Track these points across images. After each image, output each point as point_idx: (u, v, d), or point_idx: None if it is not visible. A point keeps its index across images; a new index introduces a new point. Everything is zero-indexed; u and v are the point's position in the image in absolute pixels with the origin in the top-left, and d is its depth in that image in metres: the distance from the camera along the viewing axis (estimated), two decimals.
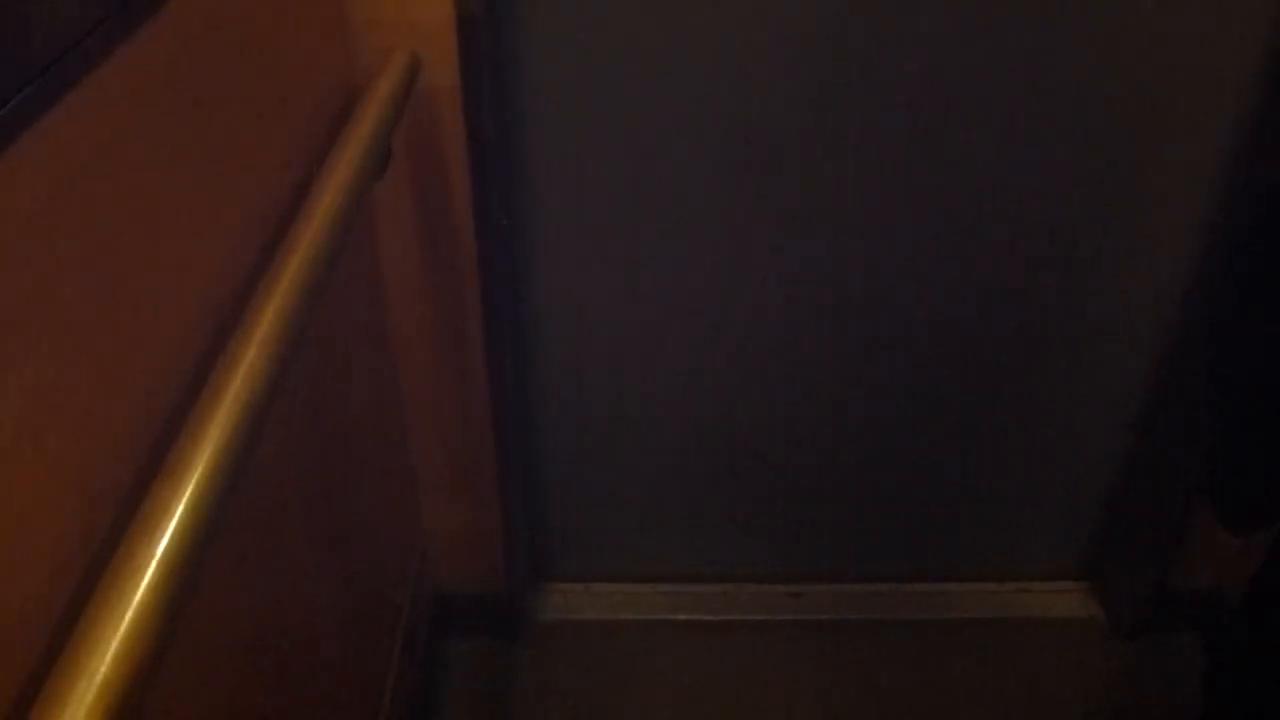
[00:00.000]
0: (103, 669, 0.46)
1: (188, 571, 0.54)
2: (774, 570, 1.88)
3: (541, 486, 1.76)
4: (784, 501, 1.80)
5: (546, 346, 1.59)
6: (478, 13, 1.17)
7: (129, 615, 0.49)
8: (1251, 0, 1.29)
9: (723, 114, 1.37)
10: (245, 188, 0.86)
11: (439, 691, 1.69)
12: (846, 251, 1.50)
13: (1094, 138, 1.40)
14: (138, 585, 0.50)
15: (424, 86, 1.18)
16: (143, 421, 0.66)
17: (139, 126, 0.66)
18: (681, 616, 1.83)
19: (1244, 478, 0.91)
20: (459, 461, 1.58)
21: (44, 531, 0.54)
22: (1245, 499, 0.92)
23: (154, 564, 0.52)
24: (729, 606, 1.85)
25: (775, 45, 1.33)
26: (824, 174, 1.43)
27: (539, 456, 1.72)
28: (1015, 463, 1.74)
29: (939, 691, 1.72)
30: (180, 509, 0.56)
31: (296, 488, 1.04)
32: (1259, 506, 0.91)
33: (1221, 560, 1.69)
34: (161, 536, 0.53)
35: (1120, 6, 1.30)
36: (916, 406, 1.68)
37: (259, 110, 0.89)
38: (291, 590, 1.05)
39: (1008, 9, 1.30)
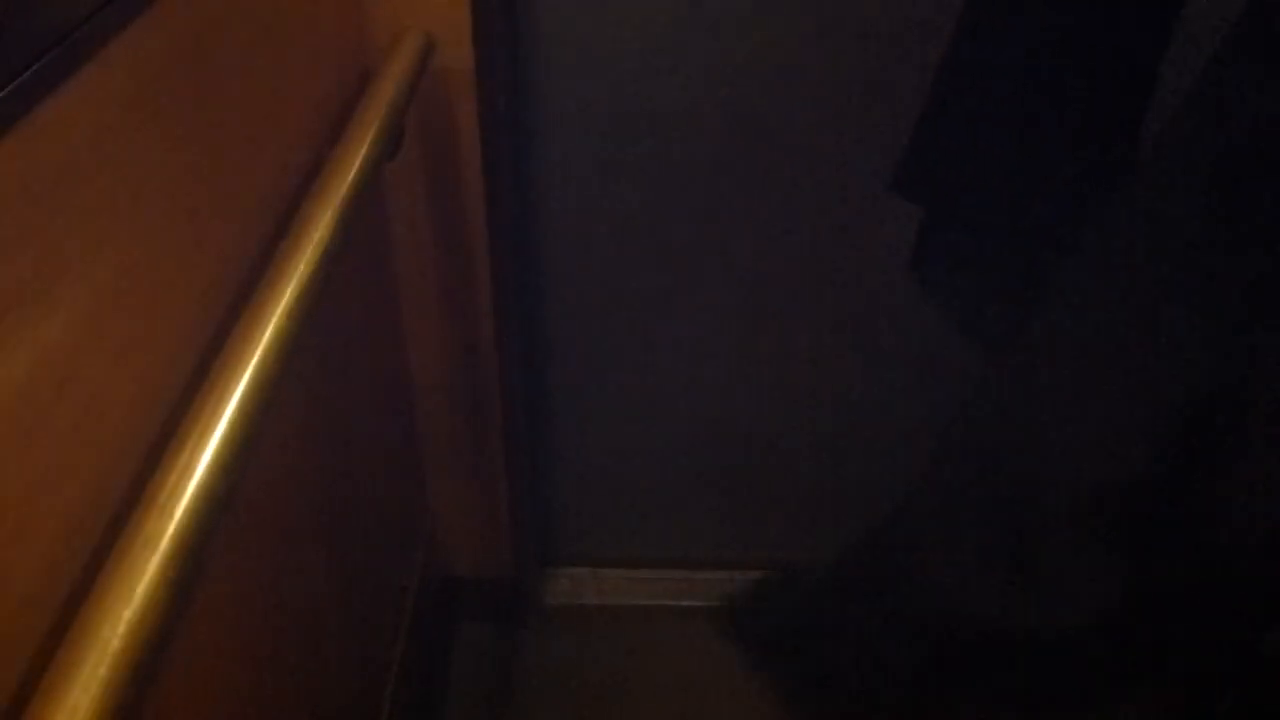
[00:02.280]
0: (115, 639, 0.46)
1: (201, 542, 0.54)
2: (780, 558, 1.88)
3: (549, 470, 1.77)
4: (791, 490, 1.80)
5: (556, 330, 1.59)
6: None
7: (142, 585, 0.49)
8: None
9: (737, 100, 1.37)
10: (259, 166, 0.86)
11: (444, 674, 1.70)
12: (855, 239, 1.50)
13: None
14: (151, 554, 0.51)
15: (437, 67, 1.17)
16: (157, 393, 0.66)
17: (151, 103, 0.65)
18: (688, 603, 1.83)
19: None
20: (466, 444, 1.58)
21: (58, 500, 0.54)
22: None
23: (168, 534, 0.52)
24: (734, 593, 1.85)
25: (787, 31, 1.32)
26: (831, 164, 1.43)
27: (546, 440, 1.72)
28: None
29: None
30: (194, 479, 0.56)
31: (305, 466, 1.04)
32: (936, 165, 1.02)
33: None
34: (176, 506, 0.54)
35: None
36: (921, 398, 1.67)
37: (272, 89, 0.89)
38: (299, 570, 1.05)
39: None
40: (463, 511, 1.66)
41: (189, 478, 0.57)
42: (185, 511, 0.55)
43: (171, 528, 0.53)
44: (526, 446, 1.65)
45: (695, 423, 1.71)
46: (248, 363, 0.66)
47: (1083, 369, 0.93)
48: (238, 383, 0.65)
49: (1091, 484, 0.90)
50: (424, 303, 1.41)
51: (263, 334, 0.69)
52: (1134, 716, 0.93)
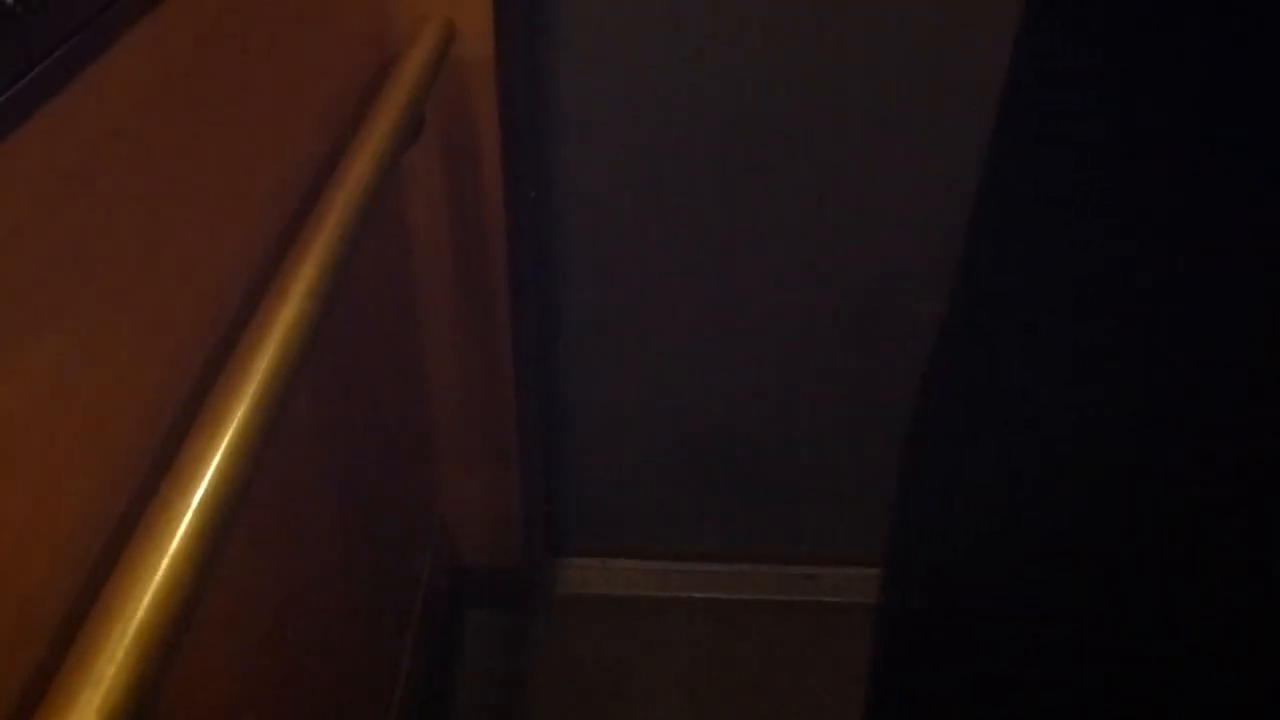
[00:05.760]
0: (138, 616, 0.47)
1: (219, 528, 0.54)
2: (789, 552, 1.88)
3: (560, 461, 1.77)
4: (799, 485, 1.79)
5: (570, 321, 1.59)
6: None
7: (164, 568, 0.49)
8: None
9: (755, 97, 1.36)
10: (279, 153, 0.86)
11: (455, 663, 1.70)
12: (859, 240, 1.50)
13: None
14: (172, 540, 0.51)
15: (458, 56, 1.17)
16: (177, 379, 0.66)
17: (169, 93, 0.65)
18: (697, 595, 1.83)
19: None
20: (479, 435, 1.58)
21: (78, 487, 0.54)
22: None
23: (188, 521, 0.52)
24: (744, 586, 1.85)
25: (807, 25, 1.31)
26: (843, 167, 1.42)
27: (558, 431, 1.72)
28: None
29: None
30: (213, 465, 0.56)
31: (320, 456, 1.05)
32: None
33: None
34: (195, 492, 0.54)
35: None
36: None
37: (293, 77, 0.89)
38: (313, 557, 1.05)
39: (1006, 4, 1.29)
40: (474, 501, 1.67)
41: (208, 464, 0.57)
42: (204, 497, 0.55)
43: (191, 515, 0.54)
44: (538, 438, 1.65)
45: (705, 416, 1.71)
46: (267, 349, 0.66)
47: None
48: (256, 370, 0.65)
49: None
50: (439, 292, 1.41)
51: (282, 320, 0.69)
52: None
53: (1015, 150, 0.75)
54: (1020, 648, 0.87)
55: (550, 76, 1.34)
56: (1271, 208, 0.61)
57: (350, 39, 1.07)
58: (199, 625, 0.64)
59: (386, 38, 1.15)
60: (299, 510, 0.99)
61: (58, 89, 0.51)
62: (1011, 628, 0.87)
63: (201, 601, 0.53)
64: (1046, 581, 0.83)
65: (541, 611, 1.79)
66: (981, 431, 0.84)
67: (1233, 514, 0.75)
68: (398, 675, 1.41)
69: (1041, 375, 0.77)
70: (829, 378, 1.66)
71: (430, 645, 1.57)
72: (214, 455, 0.58)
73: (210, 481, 0.56)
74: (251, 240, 0.79)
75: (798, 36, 1.32)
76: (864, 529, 1.86)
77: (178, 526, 0.53)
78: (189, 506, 0.54)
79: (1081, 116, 0.68)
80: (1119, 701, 0.85)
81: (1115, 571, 0.80)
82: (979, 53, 1.32)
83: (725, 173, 1.43)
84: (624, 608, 1.81)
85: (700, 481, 1.80)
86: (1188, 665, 0.83)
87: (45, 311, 0.51)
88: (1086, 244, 0.70)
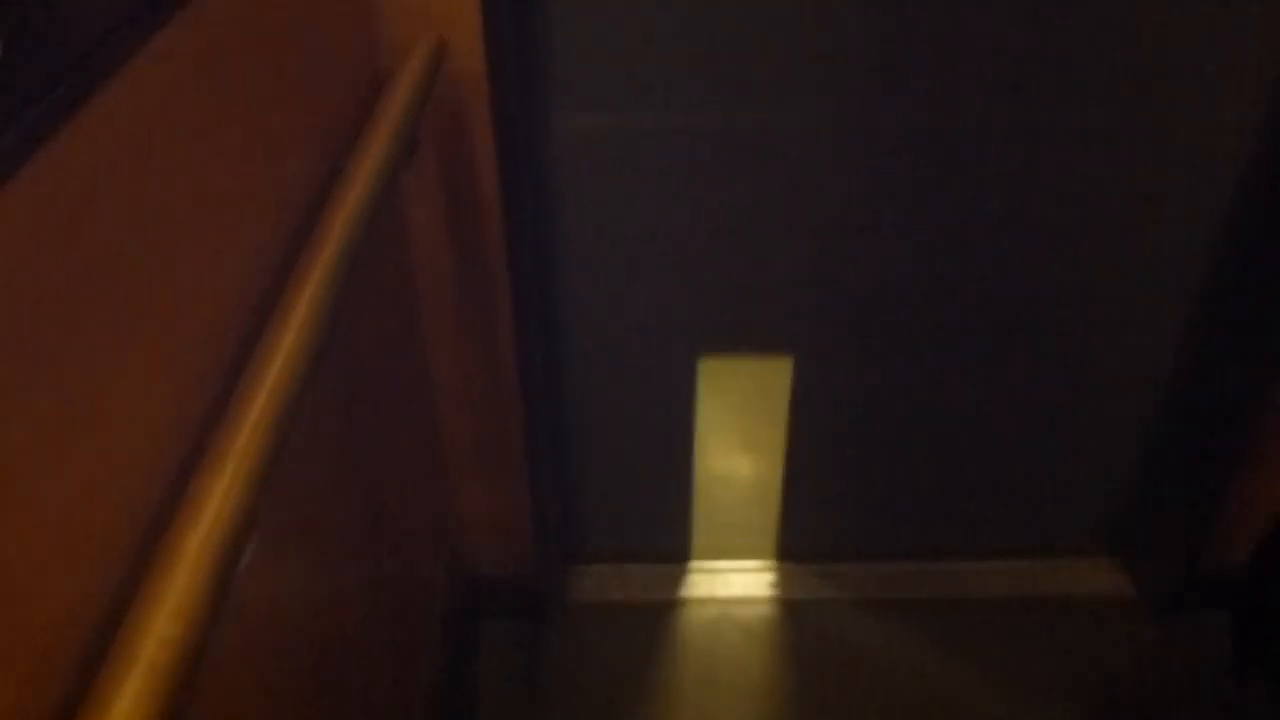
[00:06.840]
0: (158, 631, 0.47)
1: (235, 547, 0.55)
2: (802, 549, 1.88)
3: (571, 468, 1.77)
4: (808, 486, 1.80)
5: (574, 329, 1.60)
6: None
7: (181, 588, 0.50)
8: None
9: (748, 107, 1.37)
10: (278, 174, 0.87)
11: (472, 670, 1.71)
12: (876, 228, 1.50)
13: (1106, 127, 1.40)
14: (192, 552, 0.52)
15: (450, 71, 1.18)
16: (187, 404, 0.67)
17: (174, 115, 0.66)
18: (710, 597, 1.83)
19: None
20: (489, 444, 1.59)
21: (100, 507, 0.55)
22: None
23: (204, 536, 0.53)
24: (756, 586, 1.86)
25: (794, 35, 1.32)
26: (838, 174, 1.43)
27: (569, 438, 1.73)
28: (1044, 435, 1.74)
29: (967, 670, 1.72)
30: (227, 486, 0.57)
31: (334, 470, 1.05)
32: None
33: (1258, 536, 1.68)
34: (210, 510, 0.55)
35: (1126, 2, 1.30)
36: (944, 381, 1.67)
37: (289, 97, 0.90)
38: (330, 571, 1.06)
39: (1010, 5, 1.30)
40: (487, 509, 1.67)
41: (222, 484, 0.58)
42: (219, 516, 0.56)
43: (206, 534, 0.54)
44: (548, 445, 1.66)
45: (715, 419, 1.71)
46: (275, 369, 0.67)
47: None
48: (265, 388, 0.65)
49: None
50: (443, 306, 1.42)
51: (287, 341, 0.70)
52: None
53: None
54: None
55: (542, 88, 1.35)
56: None
57: (342, 59, 1.08)
58: (218, 640, 0.65)
59: (379, 56, 1.16)
60: (314, 526, 1.00)
61: (60, 123, 0.52)
62: None
63: (219, 619, 0.54)
64: None
65: (558, 618, 1.80)
66: None
67: None
68: (417, 686, 1.42)
69: None
70: (833, 382, 1.66)
71: (448, 655, 1.58)
72: (226, 477, 0.58)
73: (223, 500, 0.57)
74: (255, 261, 0.80)
75: (793, 41, 1.32)
76: (875, 524, 1.87)
77: (193, 545, 0.54)
78: (205, 527, 0.55)
79: None
80: None
81: None
82: (979, 52, 1.32)
83: (721, 179, 1.44)
84: (638, 612, 1.81)
85: (713, 485, 1.80)
86: None
87: (53, 340, 0.52)
88: None
